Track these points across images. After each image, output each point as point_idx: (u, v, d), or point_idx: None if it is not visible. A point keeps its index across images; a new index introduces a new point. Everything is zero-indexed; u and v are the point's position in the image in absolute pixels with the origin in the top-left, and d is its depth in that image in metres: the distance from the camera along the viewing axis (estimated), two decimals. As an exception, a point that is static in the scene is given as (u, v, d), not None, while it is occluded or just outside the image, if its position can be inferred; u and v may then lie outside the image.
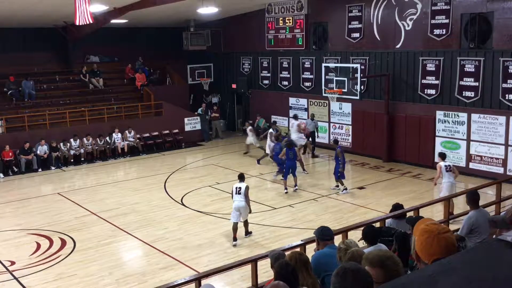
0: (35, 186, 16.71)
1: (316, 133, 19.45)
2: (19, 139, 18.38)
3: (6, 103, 20.40)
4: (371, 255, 2.82)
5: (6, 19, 19.12)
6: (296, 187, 14.83)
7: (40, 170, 18.39)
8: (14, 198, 15.28)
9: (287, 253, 5.50)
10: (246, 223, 11.39)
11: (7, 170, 17.97)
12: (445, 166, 12.04)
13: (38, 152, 18.51)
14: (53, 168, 18.66)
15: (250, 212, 11.41)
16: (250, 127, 19.98)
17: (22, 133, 18.84)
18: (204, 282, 6.64)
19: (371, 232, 6.05)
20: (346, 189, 14.57)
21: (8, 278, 9.76)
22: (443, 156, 12.58)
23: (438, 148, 16.69)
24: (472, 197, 7.38)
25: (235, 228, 11.11)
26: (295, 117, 19.32)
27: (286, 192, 14.68)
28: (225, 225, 12.24)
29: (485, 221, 7.32)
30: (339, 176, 14.56)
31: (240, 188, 11.20)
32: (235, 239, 11.10)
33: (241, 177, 11.59)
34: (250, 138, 19.64)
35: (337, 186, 14.79)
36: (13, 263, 10.42)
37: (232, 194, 11.39)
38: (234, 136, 24.08)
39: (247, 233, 11.47)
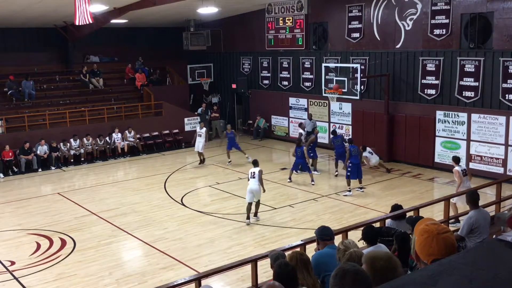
0: (35, 186, 16.71)
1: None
2: (19, 139, 18.38)
3: (6, 103, 20.41)
4: (368, 254, 2.83)
5: (6, 19, 19.12)
6: (313, 183, 15.63)
7: (40, 170, 18.39)
8: (14, 198, 15.28)
9: (287, 253, 5.50)
10: (257, 204, 12.48)
11: (7, 170, 17.96)
12: (462, 170, 11.51)
13: (38, 152, 18.51)
14: (53, 168, 18.66)
15: (264, 191, 12.51)
16: (204, 129, 18.90)
17: (22, 133, 18.83)
18: (203, 282, 6.64)
19: (371, 232, 6.05)
20: (349, 191, 14.44)
21: (8, 278, 9.76)
22: (457, 160, 11.84)
23: (438, 148, 16.71)
24: (472, 197, 7.38)
25: (248, 208, 12.31)
26: (365, 148, 16.31)
27: (289, 181, 15.84)
28: (225, 225, 12.27)
29: (485, 221, 7.33)
30: (348, 175, 14.49)
31: (254, 172, 12.40)
32: (248, 217, 12.31)
33: (255, 163, 12.82)
34: (200, 142, 18.35)
35: (361, 187, 14.74)
36: (13, 263, 10.41)
37: (248, 177, 12.52)
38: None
39: (256, 214, 12.48)
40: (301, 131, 18.59)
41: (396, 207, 8.43)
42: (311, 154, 16.95)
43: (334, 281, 2.37)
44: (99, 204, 14.33)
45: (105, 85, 23.18)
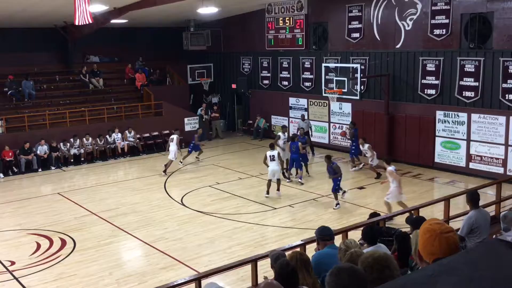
0: (35, 186, 16.71)
1: (310, 133, 19.33)
2: (19, 139, 18.37)
3: (6, 103, 20.40)
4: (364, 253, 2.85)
5: (6, 19, 19.11)
6: (298, 179, 15.72)
7: (40, 170, 18.39)
8: (14, 198, 15.28)
9: (287, 253, 5.50)
10: (279, 181, 14.28)
11: (7, 170, 17.96)
12: (395, 170, 11.96)
13: (38, 152, 18.51)
14: (53, 168, 18.66)
15: (283, 167, 14.71)
16: (176, 136, 17.73)
17: (22, 133, 18.82)
18: (206, 281, 6.63)
19: (370, 232, 6.05)
20: (343, 193, 13.99)
21: (8, 278, 9.76)
22: (389, 161, 12.48)
23: (438, 148, 16.71)
24: (472, 197, 7.37)
25: (269, 184, 14.15)
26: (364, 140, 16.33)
27: (288, 181, 15.78)
28: (225, 225, 12.27)
29: (485, 221, 7.33)
30: (336, 189, 13.52)
31: (273, 155, 14.07)
32: (267, 192, 14.15)
33: (272, 146, 14.60)
34: (172, 151, 17.42)
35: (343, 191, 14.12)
36: (13, 263, 10.41)
37: (267, 159, 14.13)
38: (234, 136, 24.09)
39: (279, 189, 14.22)
40: (279, 133, 17.18)
41: (374, 214, 8.54)
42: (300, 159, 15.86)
43: (330, 278, 2.40)
44: (99, 204, 14.33)
45: (105, 85, 23.17)
